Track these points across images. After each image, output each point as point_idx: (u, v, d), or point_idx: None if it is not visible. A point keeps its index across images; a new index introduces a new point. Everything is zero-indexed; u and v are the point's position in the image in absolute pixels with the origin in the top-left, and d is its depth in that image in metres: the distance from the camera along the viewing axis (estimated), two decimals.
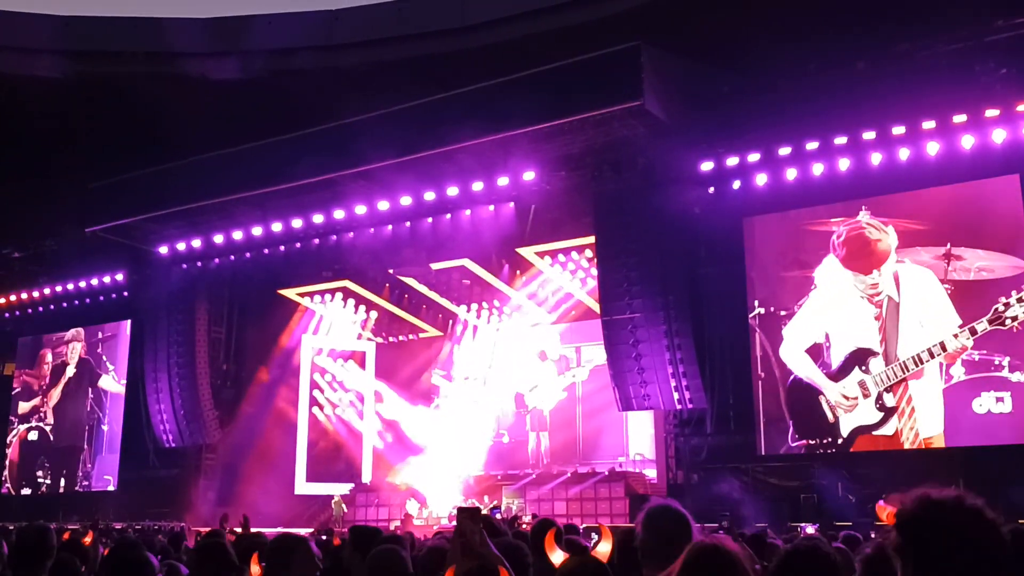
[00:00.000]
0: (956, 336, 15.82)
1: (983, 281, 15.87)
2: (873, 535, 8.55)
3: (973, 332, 15.70)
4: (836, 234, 17.21)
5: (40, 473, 27.22)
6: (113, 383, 26.24)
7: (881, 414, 16.45)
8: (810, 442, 17.05)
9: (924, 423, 16.07)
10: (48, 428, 27.41)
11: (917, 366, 16.12)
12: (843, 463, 16.90)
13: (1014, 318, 15.42)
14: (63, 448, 26.62)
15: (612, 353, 18.06)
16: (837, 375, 16.90)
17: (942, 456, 15.83)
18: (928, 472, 15.59)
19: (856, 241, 17.02)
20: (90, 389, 26.49)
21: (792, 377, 17.32)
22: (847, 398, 16.74)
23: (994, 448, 15.35)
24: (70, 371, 27.05)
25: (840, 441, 16.75)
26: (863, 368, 16.65)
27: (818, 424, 16.97)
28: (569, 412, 23.96)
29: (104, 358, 26.68)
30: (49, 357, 27.93)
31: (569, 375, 24.11)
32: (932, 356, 16.02)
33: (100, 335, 27.09)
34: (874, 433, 16.48)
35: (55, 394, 27.16)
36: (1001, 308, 15.53)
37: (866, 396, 16.58)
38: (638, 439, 22.39)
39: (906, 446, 16.17)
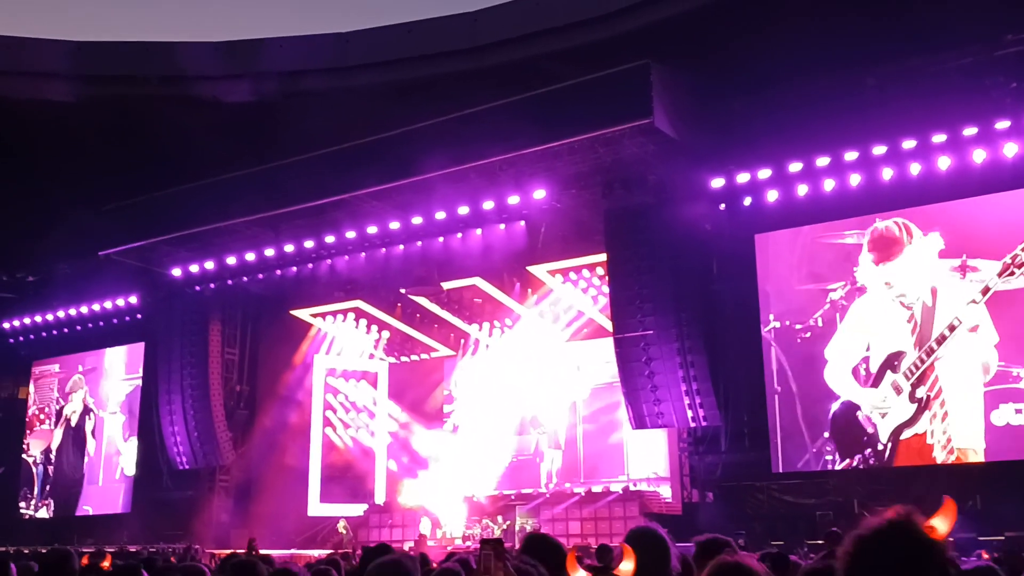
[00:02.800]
0: (974, 302, 15.74)
1: (1000, 293, 15.81)
2: None
3: (986, 291, 15.67)
4: (872, 231, 17.12)
5: (23, 504, 27.44)
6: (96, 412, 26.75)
7: (914, 406, 16.27)
8: (852, 462, 16.85)
9: (957, 428, 15.86)
10: (31, 460, 27.77)
11: (940, 345, 16.02)
12: (858, 480, 16.78)
13: (1021, 265, 15.49)
14: (61, 483, 26.93)
15: (625, 371, 18.00)
16: (874, 383, 16.76)
17: (960, 470, 15.70)
18: (946, 488, 15.52)
19: (883, 237, 17.01)
20: (89, 432, 26.79)
21: (835, 406, 17.05)
22: (883, 401, 16.60)
23: (1013, 463, 15.24)
24: (74, 418, 27.22)
25: (880, 447, 16.54)
26: (894, 368, 16.53)
27: (858, 439, 16.75)
28: (570, 432, 23.89)
29: (84, 379, 27.13)
30: (31, 388, 28.30)
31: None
32: (952, 329, 15.92)
33: (80, 368, 27.43)
34: (908, 432, 16.24)
35: (57, 434, 27.33)
36: (1009, 261, 15.61)
37: (899, 393, 16.44)
38: (641, 458, 22.27)
39: (936, 449, 15.96)
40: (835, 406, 17.07)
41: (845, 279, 17.31)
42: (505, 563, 3.22)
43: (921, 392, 16.24)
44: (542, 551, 4.25)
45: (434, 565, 5.67)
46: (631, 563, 3.02)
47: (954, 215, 16.49)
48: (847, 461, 16.90)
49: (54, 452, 27.37)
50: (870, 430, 16.69)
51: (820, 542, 14.57)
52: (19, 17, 53.21)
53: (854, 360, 17.02)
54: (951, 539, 2.10)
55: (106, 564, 5.70)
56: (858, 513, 16.00)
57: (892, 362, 16.60)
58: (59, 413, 27.56)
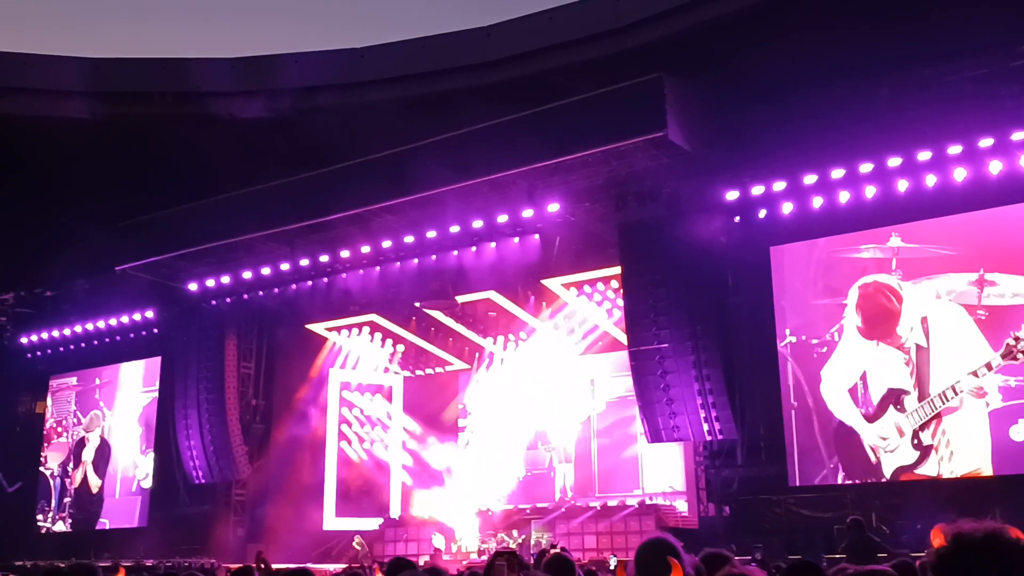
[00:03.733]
0: (976, 373, 15.68)
1: (1018, 307, 15.66)
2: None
3: (989, 367, 15.57)
4: (852, 301, 17.04)
5: (41, 517, 27.57)
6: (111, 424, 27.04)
7: (918, 453, 16.20)
8: (857, 482, 16.81)
9: (965, 458, 15.76)
10: (48, 473, 28.04)
11: (945, 402, 15.95)
12: (877, 493, 16.64)
13: None
14: (81, 500, 27.13)
15: (640, 384, 17.95)
16: (874, 416, 16.65)
17: (980, 484, 15.55)
18: (965, 501, 15.40)
19: (871, 308, 16.92)
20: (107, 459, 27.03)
21: (836, 419, 17.03)
22: (884, 439, 16.50)
23: None
24: (91, 456, 27.41)
25: (884, 481, 16.52)
26: (898, 407, 16.43)
27: (863, 466, 16.73)
28: (585, 446, 23.83)
29: (101, 403, 27.37)
30: (49, 402, 28.51)
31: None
32: (956, 393, 15.85)
33: (98, 380, 27.62)
34: (915, 472, 16.21)
35: (77, 476, 27.49)
36: (1012, 343, 15.45)
37: (901, 435, 16.35)
38: (656, 472, 22.19)
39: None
40: (835, 422, 17.03)
41: None
42: (518, 574, 3.22)
43: (926, 439, 16.13)
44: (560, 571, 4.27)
45: None
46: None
47: (970, 227, 16.35)
48: (852, 481, 16.86)
49: (73, 486, 27.44)
50: (873, 461, 16.63)
51: (839, 556, 14.47)
52: (36, 35, 53.81)
53: (847, 384, 16.98)
54: None
55: None
56: (876, 527, 15.87)
57: (893, 400, 16.49)
58: (77, 456, 27.61)
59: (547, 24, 17.26)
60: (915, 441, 16.21)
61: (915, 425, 16.21)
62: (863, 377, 16.86)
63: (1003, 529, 2.08)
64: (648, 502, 20.70)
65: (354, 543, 22.41)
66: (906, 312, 16.58)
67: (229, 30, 55.40)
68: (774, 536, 16.73)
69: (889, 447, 16.45)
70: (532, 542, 19.76)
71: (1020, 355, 15.35)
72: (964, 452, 15.77)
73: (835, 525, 16.37)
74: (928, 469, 16.09)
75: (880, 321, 16.80)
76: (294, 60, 19.19)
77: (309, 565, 20.00)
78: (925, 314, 16.33)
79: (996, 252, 16.02)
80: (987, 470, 15.57)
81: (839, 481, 16.96)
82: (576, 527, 20.32)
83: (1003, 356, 15.46)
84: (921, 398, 16.21)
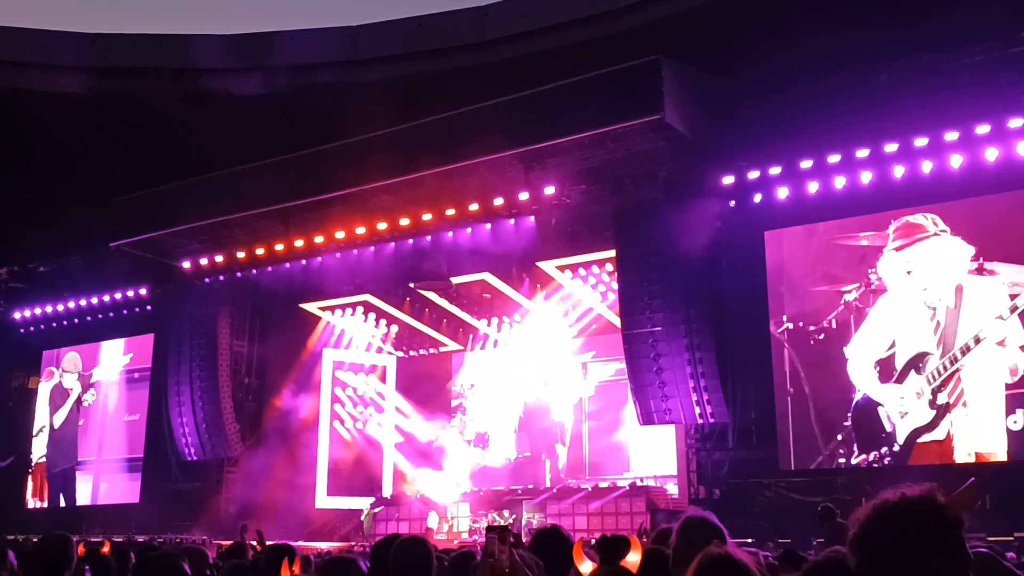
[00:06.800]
0: (1001, 317, 15.50)
1: (1017, 296, 15.61)
2: None
3: (1014, 309, 15.39)
4: (901, 222, 16.77)
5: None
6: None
7: (933, 412, 16.04)
8: (868, 457, 16.74)
9: (978, 434, 15.66)
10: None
11: (964, 355, 15.77)
12: (867, 479, 16.69)
13: None
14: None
15: (633, 367, 18.00)
16: (897, 380, 16.52)
17: (971, 471, 15.59)
18: (958, 486, 15.43)
19: (908, 226, 16.66)
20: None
21: (858, 397, 16.84)
22: (902, 399, 16.40)
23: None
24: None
25: (897, 449, 16.36)
26: (919, 370, 16.33)
27: (876, 436, 16.59)
28: (576, 428, 23.91)
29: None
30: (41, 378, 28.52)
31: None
32: (978, 342, 15.64)
33: (78, 365, 27.66)
34: (926, 437, 16.03)
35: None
36: None
37: (919, 397, 16.26)
38: (646, 454, 22.27)
39: (957, 452, 15.76)
40: (857, 396, 16.88)
41: (860, 281, 17.10)
42: (510, 548, 3.22)
43: (942, 398, 15.98)
44: (550, 545, 4.29)
45: None
46: (638, 554, 2.99)
47: (969, 215, 16.28)
48: (863, 456, 16.75)
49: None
50: (888, 428, 16.51)
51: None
52: (32, 9, 53.40)
53: (877, 356, 16.77)
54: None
55: (105, 550, 5.76)
56: None
57: (917, 363, 16.33)
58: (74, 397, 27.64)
59: (545, 4, 17.19)
60: (932, 400, 16.08)
61: (935, 383, 16.07)
62: (892, 344, 16.61)
63: (925, 495, 2.08)
64: (639, 484, 20.78)
65: (363, 516, 22.58)
66: (944, 239, 16.30)
67: (226, 6, 55.06)
68: (764, 519, 16.80)
69: (906, 408, 16.33)
70: (523, 522, 19.85)
71: None
72: (982, 430, 15.61)
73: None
74: (940, 432, 15.92)
75: (916, 232, 16.50)
76: (290, 38, 19.09)
77: (301, 543, 20.09)
78: (961, 283, 16.08)
79: (994, 240, 15.93)
80: (1002, 455, 15.48)
81: (841, 463, 16.88)
82: (567, 508, 20.40)
83: None
84: (942, 356, 16.08)
